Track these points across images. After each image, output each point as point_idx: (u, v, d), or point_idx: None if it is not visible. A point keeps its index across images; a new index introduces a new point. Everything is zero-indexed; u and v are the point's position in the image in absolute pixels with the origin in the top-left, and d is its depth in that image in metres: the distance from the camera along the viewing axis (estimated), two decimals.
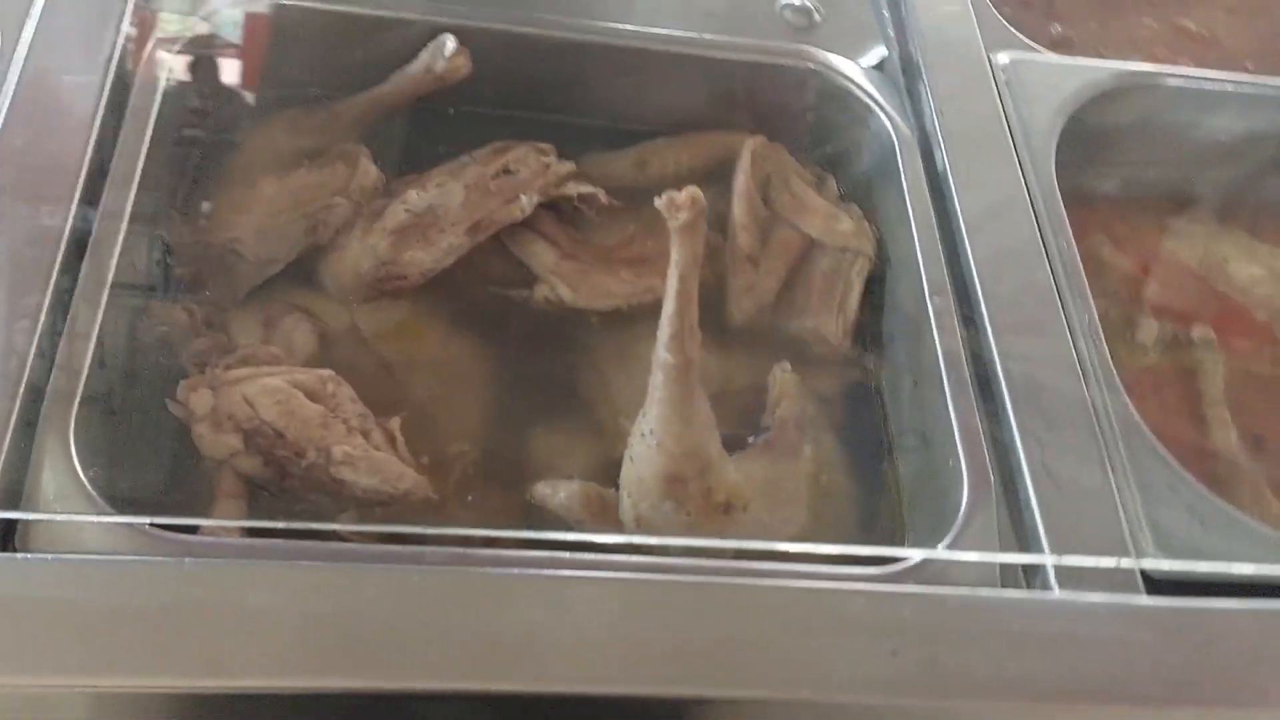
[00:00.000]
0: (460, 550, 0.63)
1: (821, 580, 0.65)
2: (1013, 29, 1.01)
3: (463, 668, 0.55)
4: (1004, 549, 0.69)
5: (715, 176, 0.94)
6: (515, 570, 0.60)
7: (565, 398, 0.82)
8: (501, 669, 0.56)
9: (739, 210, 0.89)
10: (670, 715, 0.60)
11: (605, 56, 0.97)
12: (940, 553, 0.66)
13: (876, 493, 0.82)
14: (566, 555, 0.65)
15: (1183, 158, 1.07)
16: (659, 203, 0.77)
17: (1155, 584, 0.69)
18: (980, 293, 0.80)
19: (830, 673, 0.60)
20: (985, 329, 0.78)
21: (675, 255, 0.76)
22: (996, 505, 0.70)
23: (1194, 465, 0.89)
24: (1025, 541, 0.69)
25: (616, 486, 0.74)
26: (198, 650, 0.51)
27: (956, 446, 0.73)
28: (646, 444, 0.72)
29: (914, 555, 0.66)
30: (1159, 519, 0.71)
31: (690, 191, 0.76)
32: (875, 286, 0.89)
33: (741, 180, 0.90)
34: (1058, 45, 1.14)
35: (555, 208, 0.88)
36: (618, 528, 0.73)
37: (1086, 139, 0.99)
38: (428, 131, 0.92)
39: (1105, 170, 1.05)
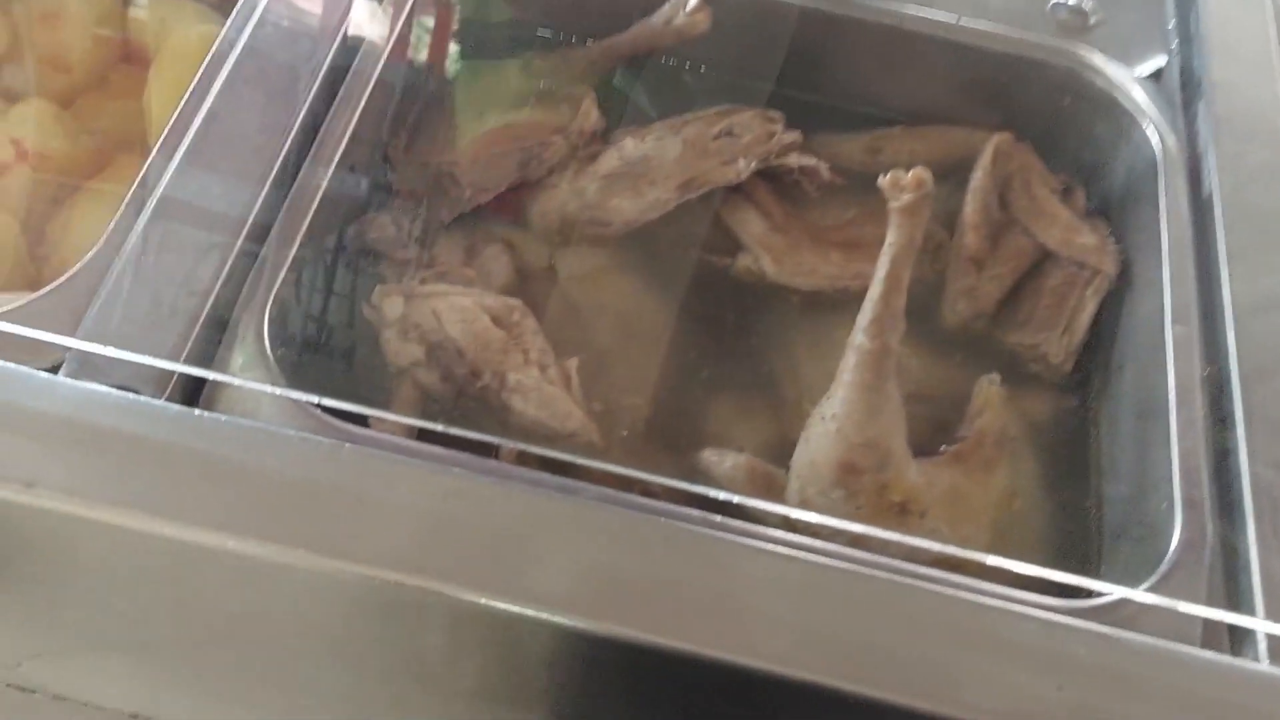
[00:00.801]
0: (611, 492, 0.62)
1: (999, 600, 0.60)
2: None
3: (593, 606, 0.54)
4: (1211, 605, 0.62)
5: (951, 173, 0.90)
6: (665, 521, 0.59)
7: (749, 372, 0.80)
8: (646, 618, 0.54)
9: (970, 207, 0.85)
10: (838, 711, 0.57)
11: (853, 32, 0.94)
12: (1138, 594, 0.60)
13: (1073, 528, 0.76)
14: (721, 519, 0.62)
15: None
16: (882, 181, 0.74)
17: None
18: (1231, 328, 0.73)
19: (984, 695, 0.55)
20: (1230, 368, 0.71)
21: (891, 237, 0.73)
22: (1210, 557, 0.64)
23: None
24: (1237, 602, 0.62)
25: (787, 469, 0.72)
26: (335, 531, 0.52)
27: (1174, 488, 0.67)
28: (825, 428, 0.70)
29: (1110, 592, 0.61)
30: None
31: (917, 172, 0.73)
32: (1109, 310, 0.83)
33: (979, 176, 0.85)
34: None
35: (774, 180, 0.86)
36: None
37: None
38: (658, 87, 0.93)
39: None
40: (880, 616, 0.58)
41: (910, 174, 0.74)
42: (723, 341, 0.82)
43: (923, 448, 0.76)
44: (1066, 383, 0.82)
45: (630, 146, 0.81)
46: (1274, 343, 0.72)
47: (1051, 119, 0.91)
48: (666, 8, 0.88)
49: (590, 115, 0.82)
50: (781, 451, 0.74)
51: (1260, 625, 0.60)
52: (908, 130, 0.93)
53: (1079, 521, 0.76)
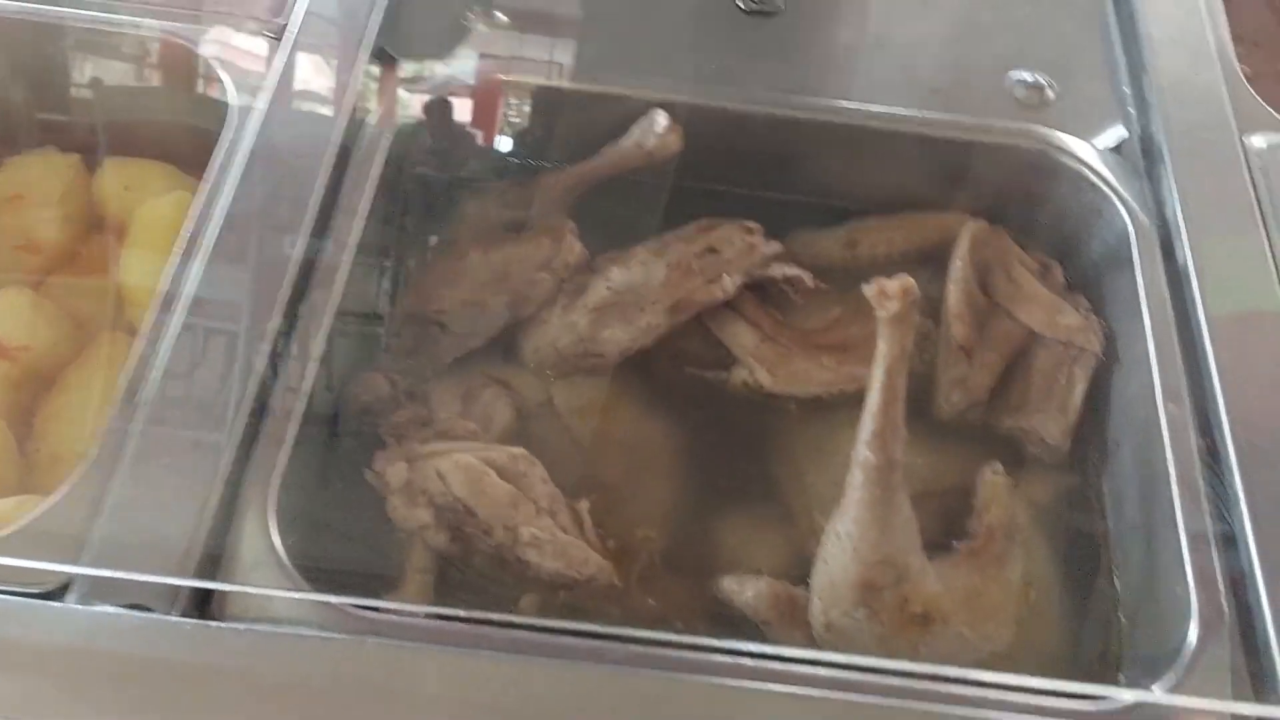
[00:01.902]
0: (639, 650, 0.62)
1: (1021, 714, 0.61)
2: (1271, 109, 0.94)
3: None
4: (1237, 697, 0.63)
5: (929, 259, 0.92)
6: (688, 676, 0.60)
7: (758, 487, 0.81)
8: None
9: (954, 298, 0.86)
10: None
11: (820, 133, 0.97)
12: (1158, 695, 0.62)
13: (1091, 614, 0.77)
14: (750, 664, 0.63)
15: None
16: (868, 290, 0.76)
17: None
18: (1222, 403, 0.74)
19: None
20: (1225, 443, 0.73)
21: (882, 347, 0.74)
22: (1230, 644, 0.65)
23: None
24: (1263, 691, 0.63)
25: (807, 585, 0.73)
26: None
27: (1185, 572, 0.68)
28: (841, 547, 0.71)
29: (1126, 696, 0.62)
30: None
31: (902, 281, 0.75)
32: (1100, 387, 0.85)
33: (958, 266, 0.87)
34: None
35: (759, 288, 0.88)
36: (806, 630, 0.71)
37: None
38: (635, 207, 0.94)
39: None
40: None
41: (894, 281, 0.76)
42: (727, 458, 0.84)
43: (934, 544, 0.77)
44: (1067, 463, 0.84)
45: (617, 276, 0.82)
46: (1267, 415, 0.74)
47: (1022, 198, 0.93)
48: (636, 130, 0.90)
49: (574, 249, 0.83)
50: (800, 564, 0.75)
51: None
52: (882, 220, 0.95)
53: (1096, 605, 0.77)
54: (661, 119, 0.89)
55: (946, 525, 0.79)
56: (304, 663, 0.56)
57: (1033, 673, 0.66)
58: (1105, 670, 0.73)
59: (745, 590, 0.72)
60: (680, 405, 0.84)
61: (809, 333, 0.87)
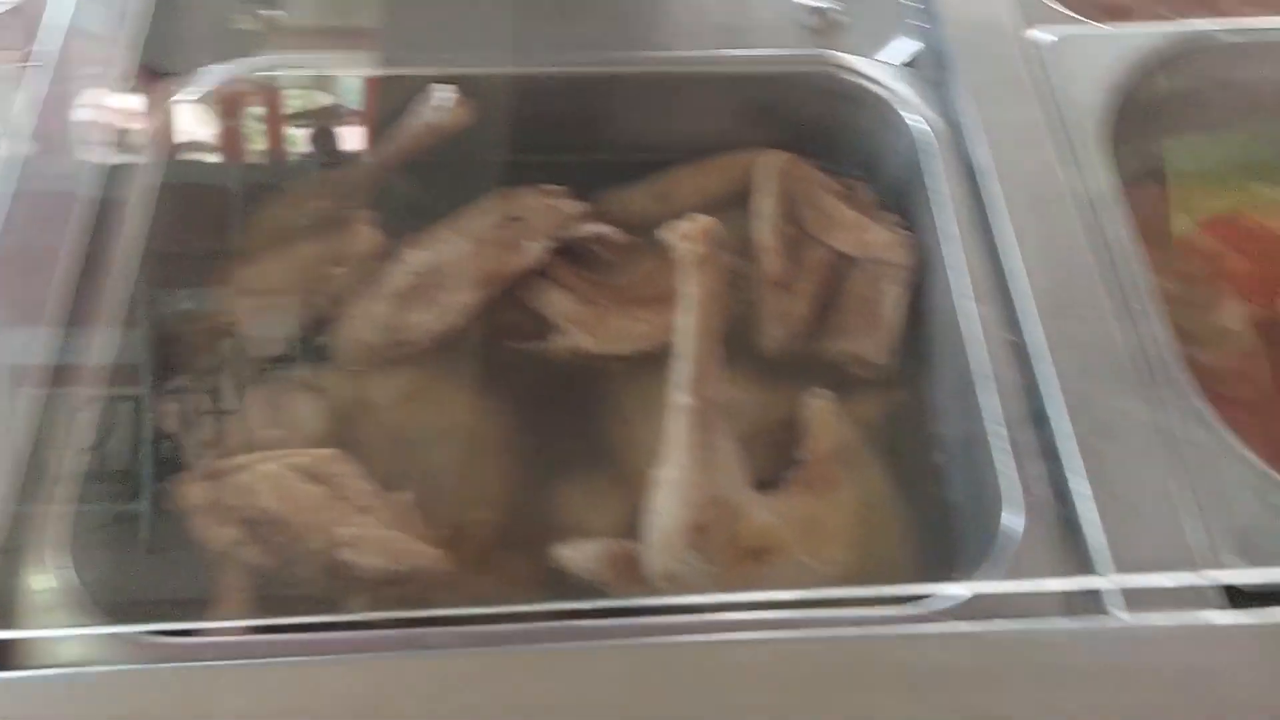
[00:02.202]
0: (478, 629, 0.61)
1: (863, 626, 0.62)
2: (1056, 4, 0.96)
3: None
4: (1063, 574, 0.64)
5: (743, 199, 0.91)
6: (520, 648, 0.59)
7: (592, 451, 0.81)
8: None
9: (761, 232, 0.86)
10: None
11: (616, 88, 0.96)
12: (984, 585, 0.62)
13: (930, 521, 0.77)
14: (589, 624, 0.63)
15: (1265, 117, 1.00)
16: (664, 235, 0.75)
17: (1243, 598, 0.63)
18: (1027, 296, 0.75)
19: None
20: (1033, 334, 0.73)
21: (686, 290, 0.74)
22: (1051, 526, 0.66)
23: None
24: (1086, 564, 0.64)
25: None
26: None
27: (1004, 464, 0.69)
28: (666, 494, 0.70)
29: (957, 591, 0.62)
30: (1241, 524, 0.65)
31: (699, 221, 0.75)
32: (917, 299, 0.85)
33: (761, 200, 0.87)
34: (1113, 14, 1.09)
35: (572, 251, 0.87)
36: (646, 586, 0.71)
37: (1149, 111, 0.93)
38: (441, 188, 0.92)
39: (1178, 142, 0.99)
40: (747, 678, 0.58)
41: (691, 223, 0.76)
42: (558, 427, 0.82)
43: (772, 480, 0.77)
44: (894, 379, 0.84)
45: (415, 258, 0.81)
46: (1069, 301, 0.75)
47: (821, 125, 0.94)
48: (421, 109, 0.88)
49: (364, 237, 0.81)
50: (640, 522, 0.74)
51: (1111, 582, 0.62)
52: (692, 168, 0.95)
53: (933, 512, 0.78)
54: (443, 93, 0.87)
55: (781, 457, 0.79)
56: (117, 702, 0.53)
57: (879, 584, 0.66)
58: (946, 573, 0.73)
59: (579, 554, 0.71)
60: (505, 381, 0.83)
61: (625, 289, 0.86)
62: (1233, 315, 0.91)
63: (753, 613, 0.64)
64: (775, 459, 0.79)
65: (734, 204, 0.91)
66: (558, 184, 0.92)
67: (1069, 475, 0.67)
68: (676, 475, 0.70)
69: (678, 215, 0.91)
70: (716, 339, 0.73)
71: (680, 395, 0.72)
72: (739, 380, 0.84)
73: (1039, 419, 0.71)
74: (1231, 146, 1.01)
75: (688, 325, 0.73)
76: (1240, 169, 1.03)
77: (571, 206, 0.86)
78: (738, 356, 0.85)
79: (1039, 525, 0.66)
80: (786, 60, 0.93)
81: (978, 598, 0.63)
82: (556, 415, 0.83)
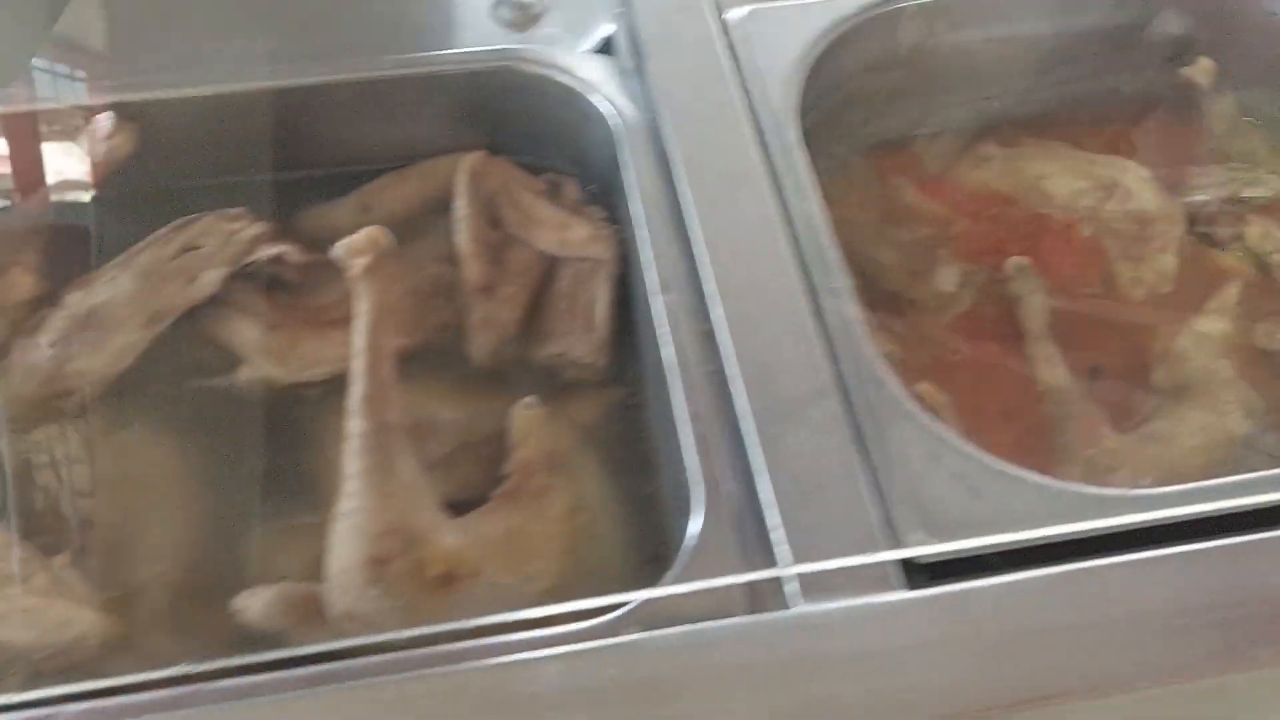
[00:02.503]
0: (142, 697, 0.57)
1: (538, 648, 0.59)
2: None
3: None
4: (747, 566, 0.62)
5: (448, 206, 0.88)
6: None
7: (285, 488, 0.76)
8: None
9: (461, 238, 0.83)
10: None
11: (310, 99, 0.92)
12: (656, 591, 0.60)
13: (643, 523, 0.75)
14: (256, 680, 0.59)
15: (973, 78, 1.01)
16: (335, 252, 0.72)
17: (930, 571, 0.63)
18: (713, 283, 0.73)
19: None
20: (719, 321, 0.72)
21: (359, 306, 0.71)
22: (732, 520, 0.64)
23: (1008, 420, 0.85)
24: (768, 555, 0.63)
25: None
26: None
27: (690, 460, 0.67)
28: (342, 527, 0.67)
29: (632, 599, 0.60)
30: (924, 498, 0.65)
31: (368, 233, 0.71)
32: (623, 294, 0.83)
33: (460, 205, 0.84)
34: None
35: (260, 276, 0.82)
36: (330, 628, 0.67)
37: (847, 81, 0.93)
38: (123, 219, 0.87)
39: (888, 109, 0.99)
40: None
41: (360, 235, 0.72)
42: (252, 465, 0.78)
43: (482, 497, 0.74)
44: (607, 378, 0.82)
45: (74, 300, 0.75)
46: (756, 284, 0.74)
47: (523, 121, 0.91)
48: (85, 139, 0.83)
49: (19, 284, 0.76)
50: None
51: (787, 571, 0.61)
52: (394, 177, 0.91)
53: (646, 512, 0.76)
54: (104, 121, 0.81)
55: (491, 472, 0.76)
56: None
57: (584, 596, 0.64)
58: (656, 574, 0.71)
59: (255, 602, 0.67)
60: (189, 421, 0.78)
61: (317, 310, 0.82)
62: (947, 278, 0.91)
63: (432, 647, 0.61)
64: (488, 474, 0.76)
65: (440, 210, 0.88)
66: (256, 204, 0.87)
67: (752, 465, 0.66)
68: (351, 506, 0.66)
69: (383, 226, 0.89)
70: (389, 355, 0.70)
71: (354, 418, 0.68)
72: (450, 394, 0.81)
73: (727, 410, 0.69)
74: (946, 109, 1.02)
75: (358, 343, 0.70)
76: (959, 131, 1.04)
77: (251, 229, 0.81)
78: (449, 371, 0.83)
79: (719, 520, 0.64)
80: (480, 57, 0.90)
81: (658, 602, 0.61)
82: (249, 453, 0.78)
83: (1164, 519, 0.63)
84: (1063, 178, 0.98)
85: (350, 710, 0.57)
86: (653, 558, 0.73)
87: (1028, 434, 0.85)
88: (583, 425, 0.80)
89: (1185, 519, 0.63)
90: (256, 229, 0.81)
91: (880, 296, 0.91)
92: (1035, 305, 0.90)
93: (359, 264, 0.71)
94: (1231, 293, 0.91)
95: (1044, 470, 0.81)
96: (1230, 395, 0.84)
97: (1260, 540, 0.62)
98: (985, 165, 1.01)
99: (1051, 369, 0.87)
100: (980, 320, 0.92)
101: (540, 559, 0.71)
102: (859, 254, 0.92)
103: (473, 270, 0.82)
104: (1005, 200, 1.00)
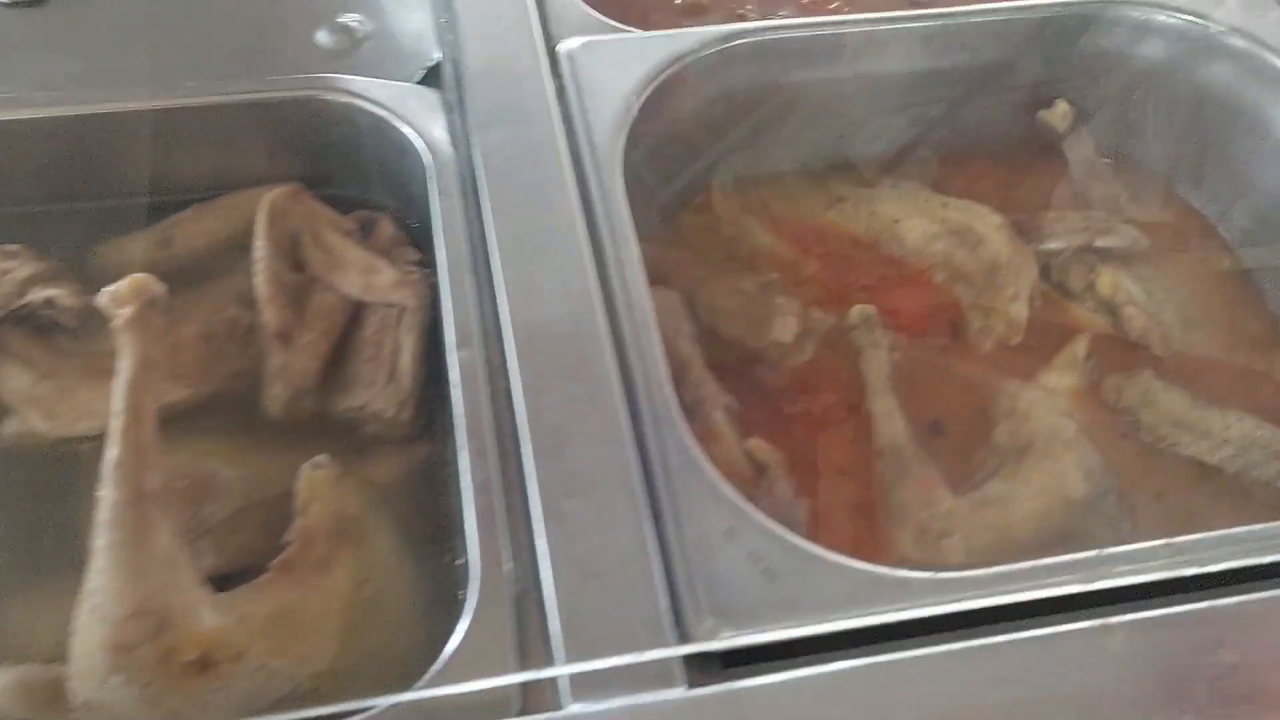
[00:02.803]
0: None
1: None
2: (592, 9, 0.90)
3: None
4: (521, 660, 0.58)
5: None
6: None
7: (51, 553, 0.70)
8: None
9: (258, 280, 0.78)
10: None
11: (114, 127, 0.85)
12: (404, 696, 0.55)
13: (439, 597, 0.70)
14: None
15: (824, 115, 0.97)
16: (100, 301, 0.66)
17: (722, 660, 0.58)
18: (512, 339, 0.69)
19: None
20: (516, 381, 0.67)
21: (120, 362, 0.65)
22: (510, 604, 0.59)
23: (844, 478, 0.81)
24: (545, 645, 0.58)
25: None
26: None
27: (469, 532, 0.62)
28: (85, 610, 0.61)
29: (375, 705, 0.55)
30: (717, 581, 0.61)
31: (133, 281, 0.65)
32: (434, 343, 0.78)
33: (258, 244, 0.79)
34: (691, 14, 1.05)
35: (31, 320, 0.76)
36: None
37: (686, 118, 0.89)
38: None
39: (734, 147, 0.95)
40: None
41: (126, 282, 0.66)
42: (14, 530, 0.72)
43: (264, 566, 0.68)
44: (414, 433, 0.77)
45: None
46: (559, 342, 0.69)
47: (339, 154, 0.86)
48: None
49: None
50: None
51: (558, 671, 0.56)
52: (200, 209, 0.86)
53: (446, 584, 0.71)
54: None
55: (278, 539, 0.71)
56: None
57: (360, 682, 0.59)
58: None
59: None
60: None
61: (98, 357, 0.76)
62: (784, 328, 0.87)
63: None
64: (273, 540, 0.71)
65: (245, 247, 0.82)
66: (57, 236, 0.82)
67: (536, 544, 0.61)
68: (96, 585, 0.61)
69: (184, 262, 0.84)
70: (149, 417, 0.64)
71: (106, 486, 0.62)
72: (238, 450, 0.76)
73: (518, 479, 0.64)
74: (796, 147, 0.99)
75: (115, 403, 0.64)
76: (813, 171, 1.01)
77: (24, 268, 0.75)
78: (242, 422, 0.77)
79: (494, 607, 0.59)
80: (290, 85, 0.84)
81: (411, 706, 0.56)
82: (11, 513, 0.72)
83: (967, 608, 0.60)
84: (916, 221, 0.95)
85: None
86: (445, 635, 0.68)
87: (863, 493, 0.82)
88: (381, 486, 0.75)
89: (990, 608, 0.60)
90: (30, 268, 0.75)
91: (719, 345, 0.88)
92: (877, 357, 0.87)
93: (122, 315, 0.65)
94: (1080, 347, 0.89)
95: (875, 534, 0.80)
96: (1071, 457, 0.81)
97: (1065, 633, 0.59)
98: (838, 206, 0.98)
99: (889, 425, 0.83)
100: (824, 371, 0.89)
101: (314, 639, 0.66)
102: (698, 301, 0.89)
103: (270, 315, 0.77)
104: (857, 243, 0.97)
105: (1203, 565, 0.59)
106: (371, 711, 0.54)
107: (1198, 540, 0.63)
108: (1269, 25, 0.92)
